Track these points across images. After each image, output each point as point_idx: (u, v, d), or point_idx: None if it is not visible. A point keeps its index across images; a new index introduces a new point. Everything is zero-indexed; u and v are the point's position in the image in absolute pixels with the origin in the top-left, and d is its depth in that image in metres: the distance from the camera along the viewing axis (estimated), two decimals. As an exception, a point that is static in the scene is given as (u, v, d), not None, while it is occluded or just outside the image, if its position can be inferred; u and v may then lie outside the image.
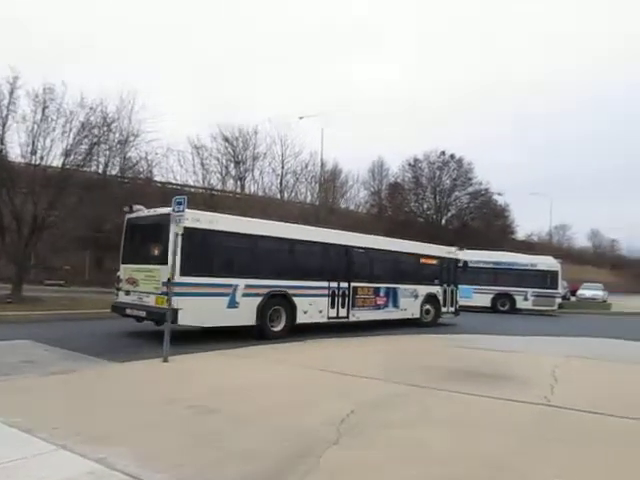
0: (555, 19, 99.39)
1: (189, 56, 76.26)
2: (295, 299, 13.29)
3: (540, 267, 26.73)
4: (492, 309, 26.29)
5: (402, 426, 5.19)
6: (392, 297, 16.42)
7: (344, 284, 14.74)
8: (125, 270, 12.47)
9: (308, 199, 44.57)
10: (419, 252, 17.86)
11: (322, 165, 44.10)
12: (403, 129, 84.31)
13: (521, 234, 64.20)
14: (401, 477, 3.97)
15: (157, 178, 33.32)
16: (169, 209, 9.99)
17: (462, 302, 25.68)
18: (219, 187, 39.85)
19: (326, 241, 14.61)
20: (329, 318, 14.36)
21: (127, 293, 12.21)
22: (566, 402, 6.37)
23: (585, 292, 36.76)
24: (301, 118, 41.84)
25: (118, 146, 27.97)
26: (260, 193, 41.82)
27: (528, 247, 49.23)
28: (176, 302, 10.09)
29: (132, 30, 71.71)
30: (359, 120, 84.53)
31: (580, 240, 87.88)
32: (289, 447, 4.45)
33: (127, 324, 12.60)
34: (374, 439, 4.77)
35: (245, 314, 12.16)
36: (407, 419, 5.48)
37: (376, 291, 15.84)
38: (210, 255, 11.89)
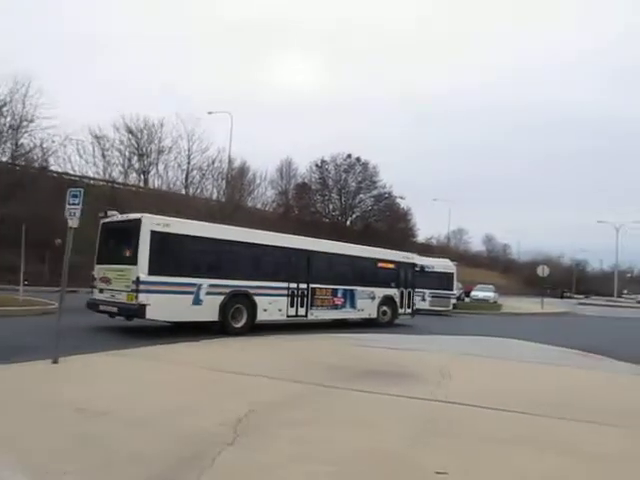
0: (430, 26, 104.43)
1: (92, 41, 72.70)
2: (256, 298, 14.19)
3: (437, 269, 27.88)
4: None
5: (301, 425, 5.25)
6: (349, 298, 17.38)
7: (303, 285, 15.75)
8: (99, 270, 13.26)
9: (214, 196, 43.86)
10: (376, 257, 18.96)
11: (230, 162, 43.58)
12: (313, 130, 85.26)
13: (421, 237, 66.86)
14: (295, 475, 4.01)
15: (53, 168, 31.46)
16: (140, 215, 12.34)
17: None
18: (121, 180, 38.23)
19: (286, 245, 15.64)
20: (288, 316, 15.38)
21: (101, 291, 13.01)
22: (454, 397, 6.71)
23: (478, 293, 38.79)
24: (210, 113, 41.11)
25: (9, 131, 26.14)
26: (164, 188, 40.64)
27: (427, 250, 51.29)
28: (144, 298, 11.63)
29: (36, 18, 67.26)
30: (269, 119, 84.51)
31: (475, 244, 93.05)
32: (183, 449, 4.36)
33: (43, 321, 12.28)
34: (272, 439, 4.78)
35: (208, 311, 13.09)
36: (306, 418, 5.55)
37: (334, 292, 16.86)
38: (177, 257, 12.84)
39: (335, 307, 16.94)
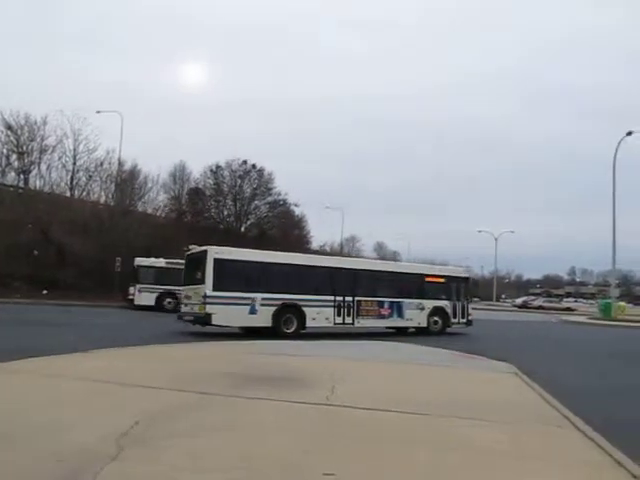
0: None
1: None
2: (304, 309, 17.65)
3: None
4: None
5: (189, 435, 5.08)
6: (396, 309, 19.95)
7: (349, 298, 18.85)
8: (184, 290, 18.14)
9: (102, 199, 41.86)
10: (424, 272, 21.83)
11: (120, 164, 41.80)
12: (208, 135, 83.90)
13: (315, 244, 67.76)
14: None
15: None
16: (207, 247, 17.16)
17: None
18: (-4, 180, 35.41)
19: (330, 265, 19.65)
20: (336, 324, 18.61)
21: (185, 305, 17.70)
22: (349, 401, 6.81)
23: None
24: (99, 112, 39.16)
25: None
26: (47, 189, 38.15)
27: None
28: (210, 309, 15.97)
29: None
30: (162, 122, 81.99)
31: (367, 251, 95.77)
32: (62, 467, 4.07)
33: None
34: (158, 450, 4.60)
35: (263, 318, 16.90)
36: (195, 428, 5.39)
37: (380, 304, 19.63)
38: (235, 276, 16.98)
39: (382, 317, 19.71)
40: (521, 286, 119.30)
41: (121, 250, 33.57)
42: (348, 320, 18.86)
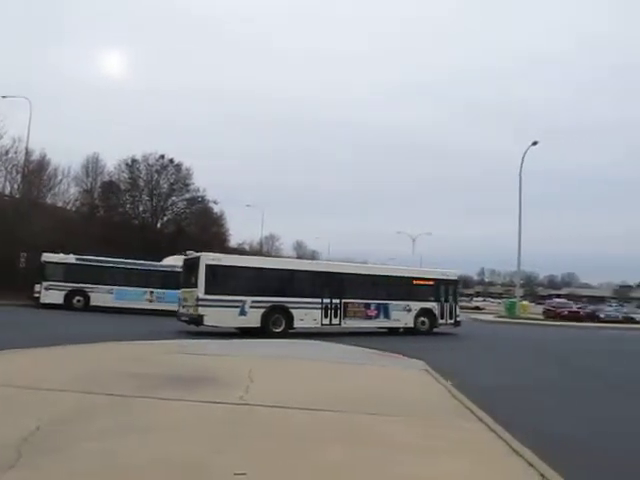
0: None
1: None
2: (292, 310, 18.90)
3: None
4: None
5: (96, 439, 4.87)
6: (383, 310, 20.97)
7: (336, 300, 19.98)
8: (181, 292, 19.50)
9: (7, 190, 39.36)
10: (411, 275, 22.74)
11: (27, 153, 39.43)
12: (124, 127, 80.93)
13: (234, 242, 67.05)
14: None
15: None
16: (199, 254, 18.58)
17: (172, 308, 25.80)
18: None
19: (317, 270, 20.95)
20: (323, 325, 19.70)
21: (183, 307, 19.01)
22: (263, 400, 6.79)
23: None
24: (4, 97, 36.78)
25: None
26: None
27: (240, 255, 51.62)
28: (202, 311, 17.31)
29: None
30: (75, 111, 78.25)
31: (287, 250, 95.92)
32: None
33: None
34: (62, 456, 4.37)
35: (252, 319, 18.21)
36: (103, 430, 5.16)
37: (366, 305, 20.66)
38: (226, 281, 18.30)
39: (369, 318, 20.72)
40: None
41: (27, 245, 31.69)
42: (335, 321, 19.97)
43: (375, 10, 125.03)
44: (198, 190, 52.98)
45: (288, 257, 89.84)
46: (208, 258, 18.32)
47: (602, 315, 44.56)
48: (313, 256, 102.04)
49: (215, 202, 54.73)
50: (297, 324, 19.06)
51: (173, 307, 26.31)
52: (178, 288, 26.33)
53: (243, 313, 18.10)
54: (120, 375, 8.31)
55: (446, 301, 22.91)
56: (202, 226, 53.69)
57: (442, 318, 22.59)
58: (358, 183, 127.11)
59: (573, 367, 14.20)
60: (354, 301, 20.47)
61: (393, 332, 21.51)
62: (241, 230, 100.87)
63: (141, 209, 51.43)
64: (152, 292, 27.97)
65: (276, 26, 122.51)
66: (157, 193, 51.31)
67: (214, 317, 17.59)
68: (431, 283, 22.83)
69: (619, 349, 20.69)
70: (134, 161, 50.37)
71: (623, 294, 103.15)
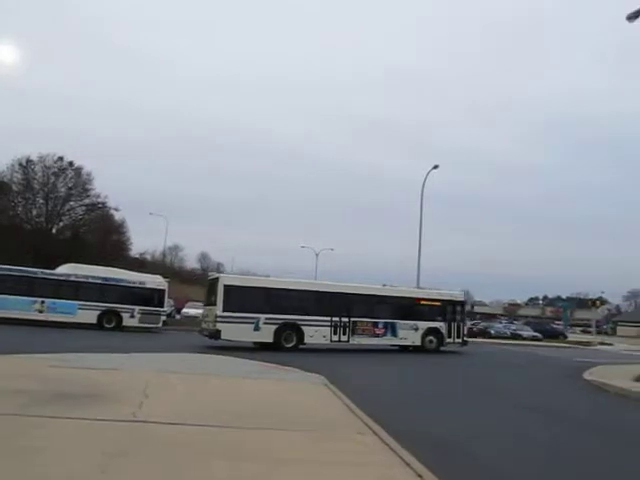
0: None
1: None
2: (303, 327, 20.47)
3: (148, 285, 27.38)
4: (98, 326, 25.57)
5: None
6: (390, 329, 22.10)
7: (345, 318, 21.32)
8: (205, 309, 22.04)
9: None
10: (419, 296, 23.88)
11: None
12: (21, 125, 76.09)
13: (135, 251, 64.73)
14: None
15: None
16: (218, 274, 22.57)
17: (65, 319, 24.41)
18: None
19: (327, 290, 21.89)
20: (332, 341, 21.15)
21: (205, 322, 21.05)
22: (156, 416, 6.58)
23: (189, 310, 39.14)
24: None
25: None
26: None
27: (141, 265, 49.96)
28: (220, 326, 19.22)
29: None
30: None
31: (191, 261, 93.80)
32: None
33: None
34: None
35: (265, 335, 19.90)
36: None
37: (375, 324, 21.84)
38: (242, 300, 19.86)
39: (376, 335, 21.87)
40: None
41: None
42: (344, 338, 21.28)
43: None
44: (98, 196, 50.84)
45: (191, 269, 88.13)
46: (226, 279, 20.64)
47: (492, 332, 47.21)
48: (218, 268, 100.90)
49: (116, 209, 52.67)
50: (307, 340, 20.59)
51: (67, 318, 25.06)
52: (74, 298, 25.40)
53: (257, 329, 19.79)
54: (3, 392, 7.72)
55: (453, 321, 23.77)
56: (102, 234, 51.45)
57: (449, 337, 23.45)
58: (264, 196, 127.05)
59: (469, 382, 14.92)
60: (362, 320, 21.64)
61: (404, 349, 22.87)
62: (144, 239, 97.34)
63: (35, 213, 48.46)
64: (43, 302, 26.25)
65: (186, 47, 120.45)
66: (53, 197, 48.62)
67: (231, 332, 19.41)
68: (438, 304, 23.71)
69: (501, 362, 22.09)
70: (29, 161, 47.48)
71: (512, 311, 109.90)
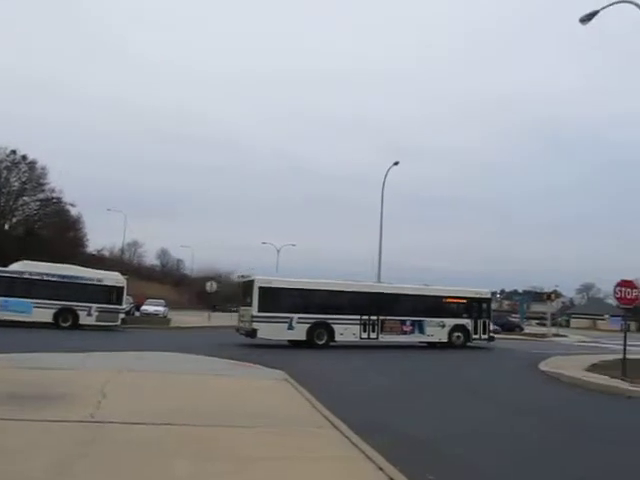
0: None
1: None
2: (333, 326, 21.55)
3: (106, 282, 26.81)
4: (55, 325, 24.92)
5: None
6: (417, 326, 23.01)
7: (374, 317, 22.23)
8: (240, 310, 23.21)
9: None
10: (445, 294, 24.49)
11: None
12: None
13: (93, 248, 63.32)
14: None
15: None
16: (254, 277, 21.92)
17: (20, 318, 23.70)
18: None
19: (357, 290, 22.78)
20: (362, 339, 22.10)
21: (241, 322, 22.33)
22: (111, 416, 6.46)
23: (148, 308, 38.51)
24: None
25: None
26: None
27: (99, 261, 48.87)
28: (256, 326, 20.47)
29: None
30: None
31: (150, 258, 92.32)
32: None
33: None
34: None
35: (298, 333, 21.05)
36: None
37: (402, 322, 22.74)
38: (276, 300, 20.98)
39: (404, 333, 22.79)
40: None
41: None
42: (373, 335, 22.17)
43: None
44: (54, 191, 49.44)
45: (151, 265, 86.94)
46: (261, 281, 21.28)
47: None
48: (178, 265, 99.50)
49: (72, 204, 51.41)
50: (338, 338, 21.59)
51: (22, 317, 24.27)
52: (29, 296, 24.60)
53: (291, 328, 20.90)
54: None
55: (479, 317, 24.47)
56: (57, 230, 50.08)
57: (475, 333, 24.19)
58: (225, 192, 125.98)
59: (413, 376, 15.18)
60: (390, 318, 22.50)
61: (432, 345, 23.53)
62: (102, 236, 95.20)
63: (-15, 209, 46.85)
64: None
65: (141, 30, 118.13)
66: (6, 192, 47.14)
67: (266, 331, 20.49)
68: (464, 301, 24.59)
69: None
70: (-21, 155, 45.85)
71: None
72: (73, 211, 53.27)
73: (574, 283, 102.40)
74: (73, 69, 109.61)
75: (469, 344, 24.04)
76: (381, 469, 5.11)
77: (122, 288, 27.18)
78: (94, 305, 25.84)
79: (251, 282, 21.43)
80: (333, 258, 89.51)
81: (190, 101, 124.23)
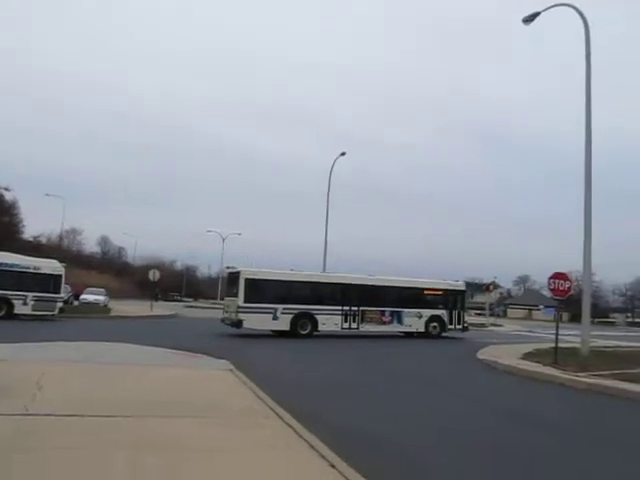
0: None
1: None
2: (316, 316, 22.35)
3: (43, 270, 25.83)
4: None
5: None
6: (396, 317, 24.10)
7: (355, 307, 23.17)
8: (225, 300, 24.68)
9: None
10: (422, 286, 25.50)
11: None
12: None
13: (29, 234, 60.88)
14: None
15: None
16: (240, 268, 22.55)
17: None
18: None
19: (338, 282, 23.75)
20: (343, 329, 22.92)
21: (225, 312, 23.03)
22: (47, 408, 6.28)
23: (88, 297, 37.39)
24: None
25: None
26: None
27: (35, 248, 47.10)
28: (242, 316, 21.09)
29: None
30: None
31: (90, 245, 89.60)
32: None
33: None
34: None
35: (283, 323, 21.78)
36: None
37: (382, 312, 23.80)
38: (261, 292, 21.70)
39: (384, 323, 23.85)
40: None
41: None
42: (354, 325, 23.10)
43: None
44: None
45: (91, 253, 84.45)
46: (247, 273, 21.91)
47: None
48: (120, 253, 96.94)
49: (7, 189, 49.25)
50: (321, 328, 22.38)
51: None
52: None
53: (275, 318, 21.61)
54: None
55: (454, 308, 25.63)
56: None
57: (451, 324, 25.32)
58: (168, 180, 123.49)
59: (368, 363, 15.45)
60: (371, 309, 23.46)
61: (409, 335, 24.51)
62: (39, 222, 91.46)
63: None
64: None
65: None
66: None
67: (251, 321, 21.13)
68: (440, 293, 25.74)
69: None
70: None
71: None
72: (8, 196, 51.10)
73: (511, 275, 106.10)
74: None
75: (444, 334, 25.15)
76: (323, 457, 5.19)
77: (60, 276, 26.25)
78: (30, 294, 24.87)
79: (237, 274, 21.94)
80: (280, 249, 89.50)
81: (152, 85, 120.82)
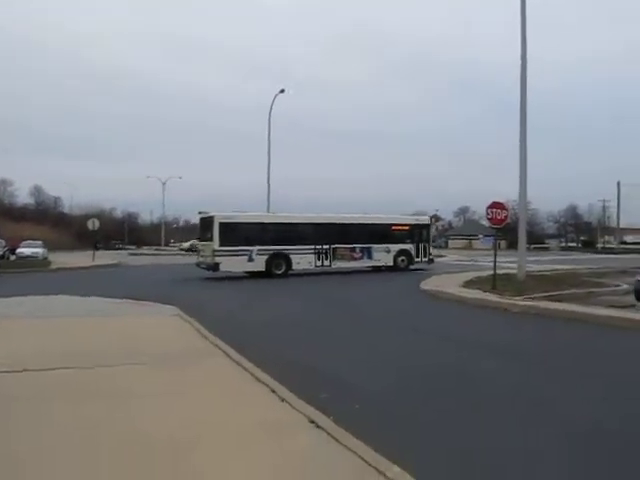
0: None
1: None
2: (291, 256, 23.13)
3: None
4: None
5: None
6: (366, 253, 25.08)
7: (326, 246, 24.00)
8: (199, 244, 25.02)
9: None
10: (390, 222, 26.57)
11: None
12: None
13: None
14: None
15: None
16: (214, 213, 22.64)
17: None
18: None
19: (309, 222, 24.31)
20: (316, 266, 23.84)
21: (201, 256, 23.56)
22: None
23: (25, 250, 35.96)
24: None
25: None
26: None
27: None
28: (218, 259, 21.68)
29: None
30: None
31: (23, 197, 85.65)
32: None
33: None
34: None
35: (258, 265, 22.51)
36: None
37: (352, 249, 24.75)
38: (236, 235, 22.27)
39: (355, 259, 24.89)
40: (189, 230, 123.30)
41: None
42: (326, 263, 24.01)
43: None
44: None
45: (24, 205, 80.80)
46: (220, 217, 22.23)
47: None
48: (55, 203, 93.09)
49: None
50: (295, 267, 23.20)
51: None
52: None
53: (251, 260, 22.24)
54: None
55: (420, 242, 26.85)
56: None
57: (417, 257, 26.56)
58: (104, 126, 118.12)
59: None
60: (341, 246, 24.35)
61: (376, 270, 25.44)
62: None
63: None
64: None
65: None
66: None
67: (227, 264, 21.68)
68: (407, 228, 26.77)
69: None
70: None
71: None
72: None
73: (452, 206, 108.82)
74: None
75: (412, 267, 26.24)
76: (274, 392, 5.33)
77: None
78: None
79: (211, 218, 22.29)
80: (223, 191, 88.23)
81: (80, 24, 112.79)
